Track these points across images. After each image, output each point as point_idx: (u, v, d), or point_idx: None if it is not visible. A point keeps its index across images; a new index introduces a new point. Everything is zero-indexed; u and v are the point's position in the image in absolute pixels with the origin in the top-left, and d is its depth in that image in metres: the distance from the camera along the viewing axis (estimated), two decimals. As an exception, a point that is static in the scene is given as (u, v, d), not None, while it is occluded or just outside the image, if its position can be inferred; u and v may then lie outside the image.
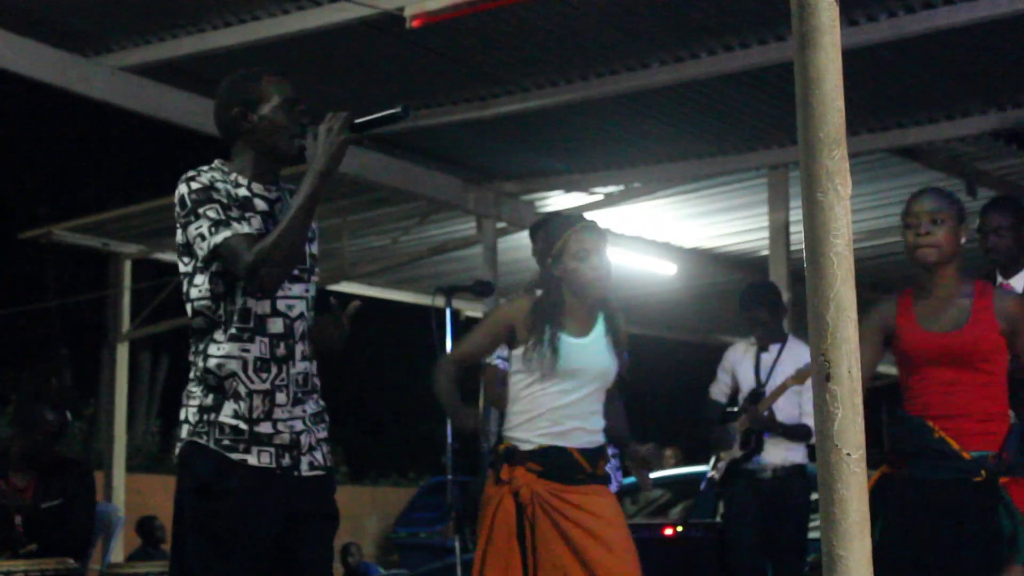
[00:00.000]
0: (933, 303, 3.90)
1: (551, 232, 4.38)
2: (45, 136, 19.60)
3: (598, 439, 4.29)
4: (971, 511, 3.75)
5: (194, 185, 3.17)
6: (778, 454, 6.18)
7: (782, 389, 6.12)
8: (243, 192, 3.23)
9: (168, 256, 11.50)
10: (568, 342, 4.25)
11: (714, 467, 6.37)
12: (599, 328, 4.29)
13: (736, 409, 6.32)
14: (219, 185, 3.18)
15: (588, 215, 4.63)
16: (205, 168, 3.24)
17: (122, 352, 11.48)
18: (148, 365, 21.37)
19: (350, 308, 3.28)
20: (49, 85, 6.91)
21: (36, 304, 17.65)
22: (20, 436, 5.43)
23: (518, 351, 4.28)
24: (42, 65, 6.80)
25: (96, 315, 14.96)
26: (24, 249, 14.74)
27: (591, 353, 4.27)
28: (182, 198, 3.18)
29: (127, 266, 11.46)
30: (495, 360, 5.53)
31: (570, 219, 4.39)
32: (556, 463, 4.21)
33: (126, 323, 11.51)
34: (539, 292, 4.38)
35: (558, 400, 4.25)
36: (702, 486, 6.63)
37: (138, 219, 10.59)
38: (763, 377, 6.26)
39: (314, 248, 3.34)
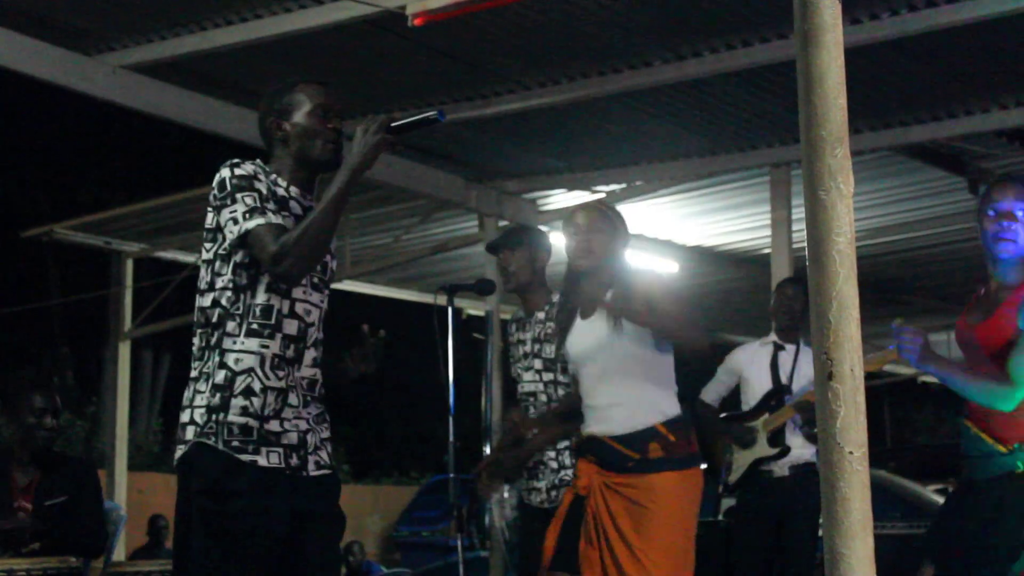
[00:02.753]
0: (983, 295, 3.92)
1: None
2: (47, 135, 19.60)
3: (640, 420, 4.18)
4: (1010, 503, 3.74)
5: (237, 171, 3.21)
6: (795, 452, 6.14)
7: None
8: (281, 192, 3.28)
9: (170, 254, 11.50)
10: (578, 325, 4.32)
11: (729, 468, 6.30)
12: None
13: (751, 409, 6.26)
14: (261, 177, 3.23)
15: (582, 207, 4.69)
16: (249, 161, 3.28)
17: (124, 351, 11.47)
18: (150, 364, 21.37)
19: (381, 338, 3.36)
20: (51, 83, 6.90)
21: (38, 303, 17.65)
22: (10, 423, 5.44)
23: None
24: (44, 63, 6.80)
25: (98, 314, 14.95)
26: (26, 248, 14.73)
27: (592, 330, 4.27)
28: (222, 181, 3.21)
29: (129, 265, 11.46)
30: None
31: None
32: (600, 453, 4.21)
33: (128, 322, 11.50)
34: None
35: (588, 382, 4.28)
36: (719, 489, 6.57)
37: (140, 218, 10.58)
38: (784, 377, 6.19)
39: (333, 264, 3.40)
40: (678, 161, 9.03)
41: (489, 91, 7.74)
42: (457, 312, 5.21)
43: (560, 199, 9.96)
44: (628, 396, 4.20)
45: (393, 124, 3.17)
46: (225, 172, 3.22)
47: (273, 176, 3.28)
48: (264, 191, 3.20)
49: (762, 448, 6.14)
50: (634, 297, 4.16)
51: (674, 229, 10.94)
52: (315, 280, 3.29)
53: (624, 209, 10.07)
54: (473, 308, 12.26)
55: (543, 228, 8.04)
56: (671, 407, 4.25)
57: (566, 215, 4.41)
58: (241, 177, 3.20)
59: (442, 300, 5.07)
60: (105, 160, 20.48)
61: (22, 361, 19.06)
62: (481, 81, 7.59)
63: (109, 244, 11.22)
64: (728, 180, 9.46)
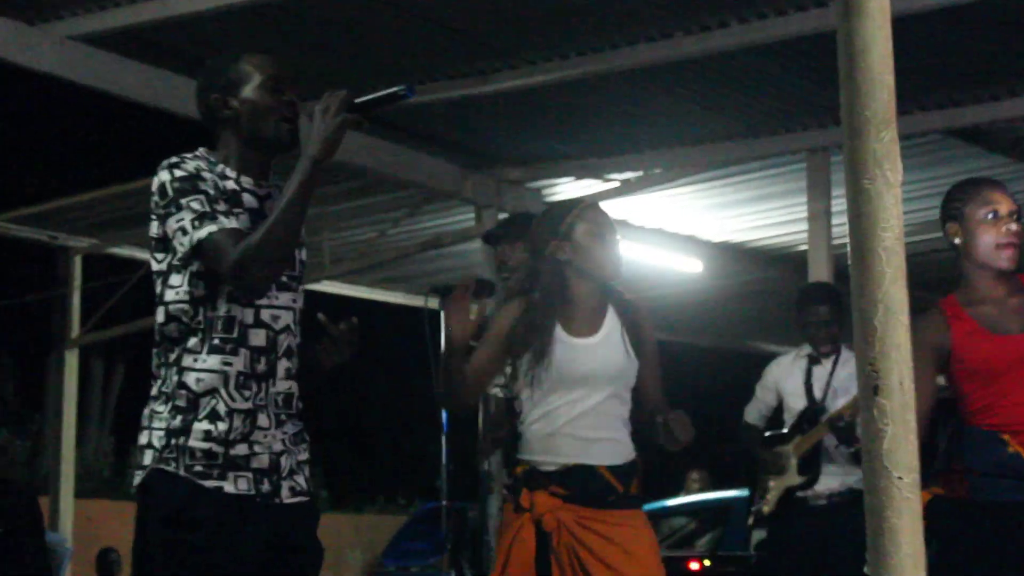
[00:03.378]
0: (991, 306, 3.88)
1: (551, 216, 4.36)
2: (-16, 114, 19.61)
3: (629, 452, 4.23)
4: None
5: (177, 173, 3.17)
6: (835, 479, 6.12)
7: None
8: (231, 185, 3.24)
9: (124, 251, 11.50)
10: (572, 343, 4.25)
11: (763, 497, 6.30)
12: (608, 323, 4.26)
13: (787, 431, 6.26)
14: (205, 175, 3.19)
15: (601, 204, 4.62)
16: (189, 155, 3.24)
17: (71, 359, 11.48)
18: (101, 374, 21.38)
19: (352, 324, 3.33)
20: (-11, 56, 6.92)
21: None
22: None
23: (522, 362, 4.28)
24: (-19, 34, 6.81)
25: (42, 318, 14.96)
26: (-40, 243, 14.75)
27: (601, 353, 4.23)
28: (162, 187, 3.17)
29: (77, 262, 11.47)
30: (494, 389, 5.51)
31: (572, 200, 4.45)
32: (582, 484, 4.17)
33: (76, 327, 11.52)
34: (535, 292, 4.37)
35: (574, 410, 4.20)
36: (750, 521, 6.57)
37: (90, 209, 10.59)
38: (818, 393, 6.18)
39: (303, 254, 3.36)
40: (702, 146, 9.04)
41: (488, 67, 7.75)
42: (451, 317, 5.20)
43: (568, 189, 9.96)
44: (618, 428, 4.24)
45: (356, 101, 3.15)
46: (164, 175, 3.17)
47: (220, 167, 3.25)
48: (211, 191, 3.16)
49: (791, 476, 6.16)
50: (644, 335, 4.26)
51: (697, 223, 10.95)
52: (283, 279, 3.25)
53: (641, 200, 10.16)
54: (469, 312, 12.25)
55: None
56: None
57: (576, 209, 4.30)
58: (182, 179, 3.15)
59: (434, 303, 5.07)
60: (51, 144, 20.50)
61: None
62: (478, 55, 7.59)
63: (55, 239, 11.23)
64: (759, 167, 9.48)
